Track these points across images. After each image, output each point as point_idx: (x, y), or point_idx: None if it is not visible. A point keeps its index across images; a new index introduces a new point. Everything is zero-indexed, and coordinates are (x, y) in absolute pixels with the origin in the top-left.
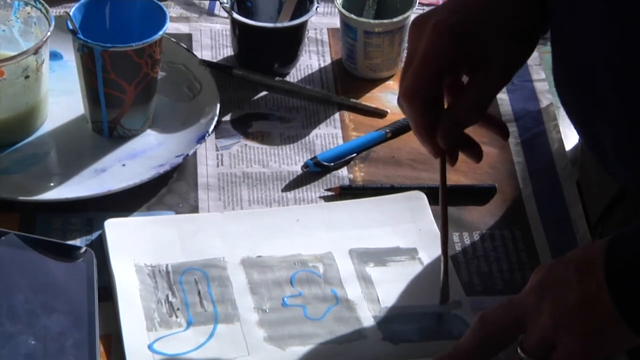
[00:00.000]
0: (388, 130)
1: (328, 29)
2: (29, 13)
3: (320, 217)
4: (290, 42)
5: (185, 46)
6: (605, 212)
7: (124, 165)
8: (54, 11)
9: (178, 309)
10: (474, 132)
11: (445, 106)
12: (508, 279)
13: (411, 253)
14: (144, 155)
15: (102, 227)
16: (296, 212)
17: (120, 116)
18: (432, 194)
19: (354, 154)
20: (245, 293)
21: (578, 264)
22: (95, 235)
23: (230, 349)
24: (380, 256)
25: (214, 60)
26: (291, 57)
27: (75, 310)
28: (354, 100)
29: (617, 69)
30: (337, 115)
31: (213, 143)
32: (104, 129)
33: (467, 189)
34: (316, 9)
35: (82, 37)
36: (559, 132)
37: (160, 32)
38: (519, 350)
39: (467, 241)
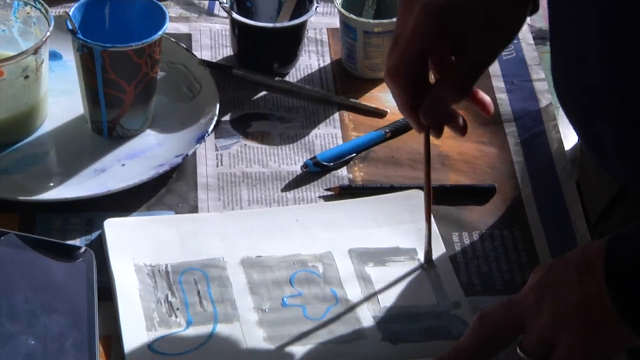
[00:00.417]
0: (387, 130)
1: (328, 29)
2: (28, 13)
3: (320, 217)
4: (290, 42)
5: (184, 46)
6: (605, 212)
7: (123, 165)
8: (54, 11)
9: (178, 308)
10: (474, 131)
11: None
12: (508, 279)
13: (411, 253)
14: (143, 155)
15: (101, 227)
16: (296, 212)
17: (120, 116)
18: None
19: (354, 154)
20: (244, 293)
21: (578, 263)
22: (94, 235)
23: (230, 349)
24: (380, 256)
25: (214, 60)
26: (291, 57)
27: (75, 310)
28: (354, 100)
29: (616, 69)
30: (336, 115)
31: (213, 143)
32: (104, 129)
33: (466, 189)
34: (316, 9)
35: (81, 37)
36: (558, 132)
37: (160, 32)
38: (518, 350)
39: (467, 241)
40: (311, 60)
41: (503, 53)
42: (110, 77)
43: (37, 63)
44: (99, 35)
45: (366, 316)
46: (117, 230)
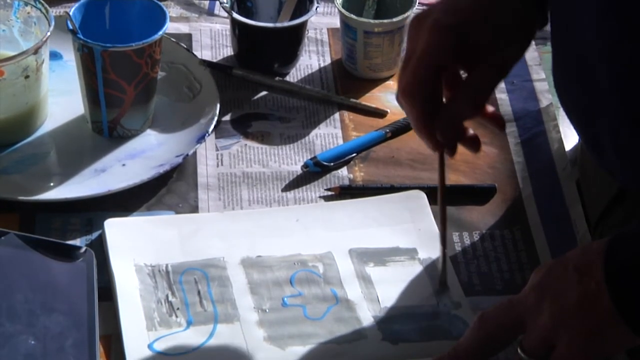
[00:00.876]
0: (388, 130)
1: (328, 29)
2: (28, 13)
3: (320, 217)
4: (290, 42)
5: (185, 46)
6: (605, 212)
7: (124, 165)
8: (54, 11)
9: (178, 308)
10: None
11: (444, 101)
12: (508, 279)
13: (411, 253)
14: (143, 155)
15: (102, 227)
16: (296, 212)
17: (120, 116)
18: (432, 194)
19: (354, 154)
20: (245, 293)
21: (578, 263)
22: (95, 235)
23: (230, 349)
24: (380, 256)
25: (214, 60)
26: (291, 57)
27: (75, 310)
28: (354, 100)
29: (616, 69)
30: (337, 115)
31: (213, 143)
32: (104, 129)
33: (467, 189)
34: (316, 9)
35: (82, 37)
36: (558, 132)
37: (160, 32)
38: (518, 350)
39: (467, 241)
40: (311, 60)
41: None
42: (110, 77)
43: (38, 63)
44: (99, 35)
45: (366, 316)
46: (117, 230)
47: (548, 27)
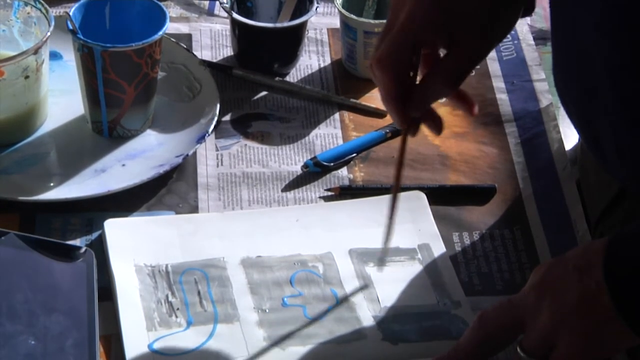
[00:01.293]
0: (388, 130)
1: (328, 29)
2: (28, 13)
3: (320, 217)
4: (290, 42)
5: (185, 46)
6: (605, 212)
7: (124, 165)
8: (54, 11)
9: (178, 308)
10: (474, 131)
11: (418, 78)
12: (508, 279)
13: (411, 253)
14: (143, 155)
15: (102, 227)
16: (296, 212)
17: (120, 116)
18: (432, 194)
19: (354, 154)
20: (245, 293)
21: (577, 263)
22: (95, 235)
23: (230, 349)
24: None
25: (214, 60)
26: (291, 57)
27: (75, 310)
28: (354, 100)
29: (616, 69)
30: (337, 115)
31: (213, 143)
32: (104, 129)
33: (467, 189)
34: (316, 9)
35: (82, 37)
36: (558, 132)
37: (160, 32)
38: (518, 350)
39: (467, 241)
40: (311, 60)
41: (503, 53)
42: (110, 77)
43: (38, 63)
44: (99, 35)
45: (366, 316)
46: (117, 231)
47: (548, 27)
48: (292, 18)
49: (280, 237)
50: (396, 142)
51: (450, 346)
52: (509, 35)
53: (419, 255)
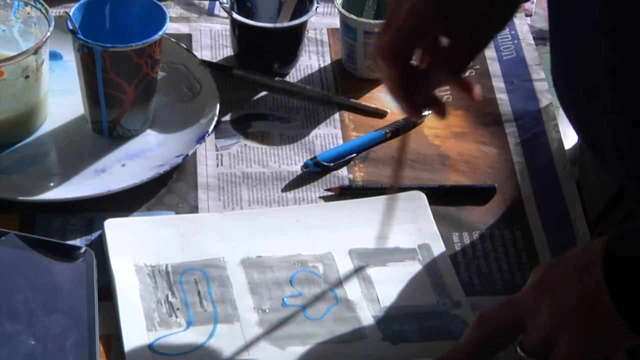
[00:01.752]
0: (388, 131)
1: (328, 29)
2: (28, 13)
3: (320, 217)
4: (290, 42)
5: (185, 46)
6: (604, 211)
7: (123, 165)
8: (54, 11)
9: (178, 309)
10: (474, 131)
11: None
12: (508, 279)
13: (411, 253)
14: (143, 155)
15: (102, 227)
16: (296, 212)
17: (120, 116)
18: (432, 194)
19: (354, 154)
20: (245, 293)
21: (577, 263)
22: (95, 235)
23: (230, 349)
24: (380, 256)
25: (214, 61)
26: (291, 57)
27: (75, 310)
28: (354, 101)
29: (616, 69)
30: (337, 116)
31: (213, 143)
32: (104, 129)
33: (467, 189)
34: (316, 9)
35: (82, 37)
36: (558, 132)
37: (160, 32)
38: (518, 350)
39: (467, 241)
40: (311, 60)
41: (503, 53)
42: (110, 77)
43: (38, 63)
44: (99, 36)
45: (366, 316)
46: (117, 231)
47: (547, 27)
48: (292, 18)
49: (280, 237)
50: (396, 142)
51: (450, 346)
52: (508, 35)
53: (419, 255)
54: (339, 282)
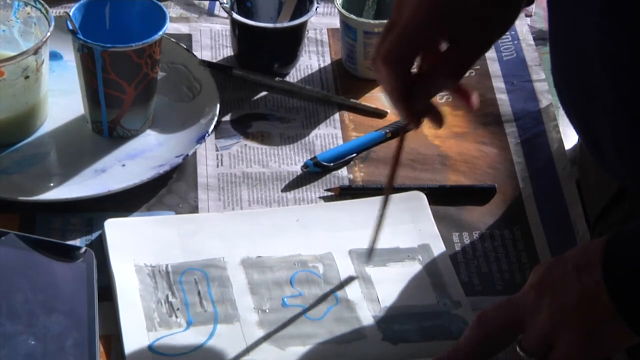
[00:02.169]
0: (388, 131)
1: (328, 29)
2: (28, 13)
3: (320, 217)
4: (290, 42)
5: (185, 46)
6: (604, 211)
7: (123, 165)
8: (54, 11)
9: (178, 309)
10: (474, 131)
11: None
12: (508, 279)
13: (411, 253)
14: (143, 155)
15: (102, 227)
16: (296, 212)
17: (120, 116)
18: (432, 194)
19: (354, 154)
20: (245, 293)
21: (577, 262)
22: (95, 235)
23: (230, 349)
24: (380, 256)
25: (214, 61)
26: (291, 57)
27: (75, 310)
28: (354, 101)
29: (616, 69)
30: (337, 116)
31: (213, 143)
32: (104, 129)
33: (467, 189)
34: (316, 9)
35: (82, 37)
36: (558, 132)
37: (160, 33)
38: (518, 349)
39: (467, 241)
40: (311, 60)
41: (503, 53)
42: (110, 77)
43: (38, 63)
44: (99, 36)
45: (366, 316)
46: (117, 231)
47: (547, 28)
48: (292, 18)
49: (280, 237)
50: (396, 142)
51: (450, 346)
52: (509, 36)
53: (419, 255)
54: (339, 282)
